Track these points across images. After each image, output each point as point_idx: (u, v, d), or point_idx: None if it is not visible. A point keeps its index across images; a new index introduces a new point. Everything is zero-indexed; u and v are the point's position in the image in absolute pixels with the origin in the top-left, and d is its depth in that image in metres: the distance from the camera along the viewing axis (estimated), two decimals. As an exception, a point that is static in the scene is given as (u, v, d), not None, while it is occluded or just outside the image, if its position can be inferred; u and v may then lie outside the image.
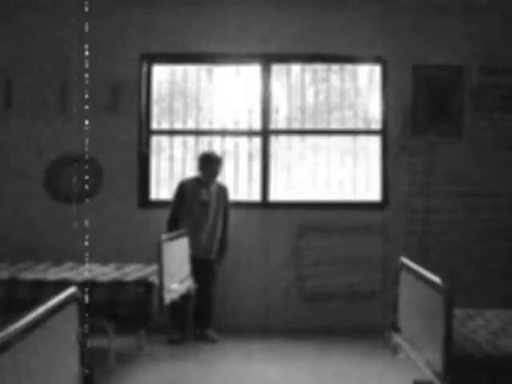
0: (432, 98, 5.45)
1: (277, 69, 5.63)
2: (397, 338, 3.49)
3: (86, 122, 5.26)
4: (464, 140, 5.46)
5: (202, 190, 5.04)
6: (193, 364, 4.41)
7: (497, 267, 5.41)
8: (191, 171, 5.50)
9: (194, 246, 4.93)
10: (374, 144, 5.59)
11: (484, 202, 5.44)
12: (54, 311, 2.20)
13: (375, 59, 5.54)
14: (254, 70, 5.61)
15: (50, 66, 5.40)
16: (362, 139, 5.65)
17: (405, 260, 3.53)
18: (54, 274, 4.35)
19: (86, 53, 5.20)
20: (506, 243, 5.42)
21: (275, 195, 5.58)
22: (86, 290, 3.82)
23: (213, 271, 5.08)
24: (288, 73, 5.65)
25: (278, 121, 5.64)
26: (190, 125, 5.67)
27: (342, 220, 5.46)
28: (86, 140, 5.26)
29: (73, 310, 2.41)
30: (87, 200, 5.39)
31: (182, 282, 4.59)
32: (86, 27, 5.14)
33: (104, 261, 4.87)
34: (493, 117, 5.45)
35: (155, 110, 5.66)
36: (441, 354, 2.68)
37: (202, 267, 4.96)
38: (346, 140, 5.64)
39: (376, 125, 5.60)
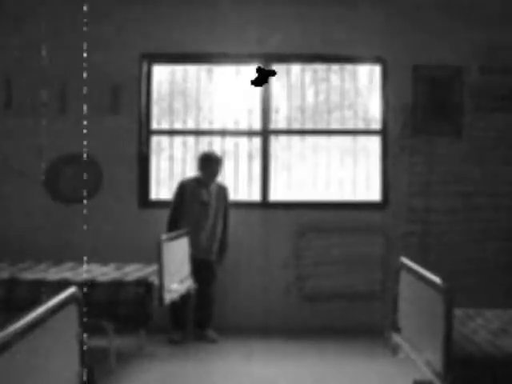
0: (432, 98, 5.45)
1: (277, 69, 5.62)
2: (397, 338, 3.49)
3: (86, 122, 5.26)
4: (464, 140, 5.46)
5: (202, 190, 5.04)
6: (193, 364, 4.41)
7: (497, 267, 5.41)
8: (191, 171, 5.50)
9: (194, 245, 4.93)
10: (374, 144, 5.59)
11: (484, 202, 5.43)
12: (54, 311, 2.20)
13: (375, 59, 5.54)
14: (253, 70, 5.61)
15: (49, 66, 5.40)
16: (362, 139, 5.65)
17: (405, 260, 3.53)
18: (53, 274, 4.35)
19: (86, 53, 5.20)
20: (506, 243, 5.42)
21: (275, 195, 5.58)
22: (86, 290, 3.82)
23: (213, 271, 5.08)
24: (288, 73, 5.65)
25: (278, 121, 5.64)
26: (190, 125, 5.67)
27: (342, 220, 5.46)
28: (86, 140, 5.26)
29: (73, 310, 2.41)
30: (87, 200, 5.39)
31: (181, 281, 4.60)
32: (86, 27, 5.15)
33: (104, 261, 4.87)
34: (493, 117, 5.45)
35: (155, 110, 5.66)
36: (441, 354, 2.68)
37: (202, 267, 4.97)
38: (346, 140, 5.64)
39: (376, 125, 5.60)
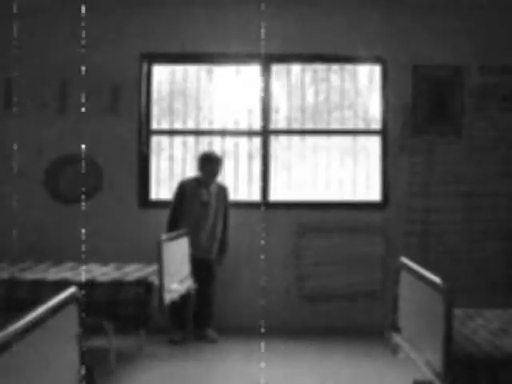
0: (432, 98, 5.45)
1: (277, 69, 5.63)
2: (397, 338, 3.49)
3: (86, 122, 5.26)
4: (464, 140, 5.46)
5: (202, 190, 5.04)
6: (193, 364, 4.41)
7: (497, 267, 5.41)
8: (191, 171, 5.50)
9: (194, 246, 4.93)
10: (374, 144, 5.59)
11: (484, 202, 5.43)
12: (54, 311, 2.20)
13: (375, 59, 5.54)
14: (253, 70, 5.61)
15: (49, 66, 5.40)
16: (362, 139, 5.65)
17: (405, 260, 3.52)
18: (53, 274, 4.35)
19: (86, 53, 5.21)
20: (506, 243, 5.42)
21: (275, 195, 5.58)
22: (86, 290, 3.82)
23: (213, 271, 5.08)
24: (288, 73, 5.66)
25: (278, 121, 5.64)
26: (190, 125, 5.67)
27: (341, 220, 5.46)
28: (86, 140, 5.26)
29: (73, 310, 2.41)
30: (87, 200, 5.40)
31: (182, 281, 4.60)
32: (86, 27, 5.15)
33: (104, 261, 4.87)
34: (493, 117, 5.45)
35: (155, 110, 5.66)
36: (441, 354, 2.68)
37: (201, 267, 4.97)
38: (346, 140, 5.64)
39: (376, 125, 5.60)
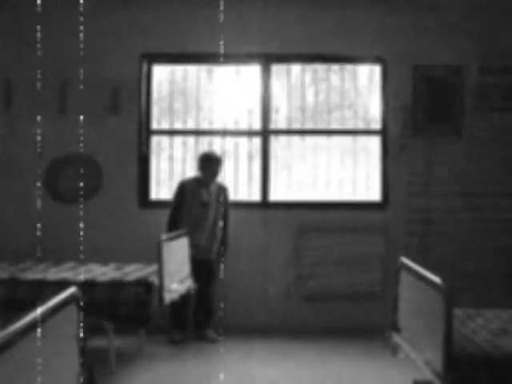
0: (432, 98, 5.45)
1: (277, 69, 5.63)
2: (397, 338, 3.49)
3: (86, 123, 5.26)
4: (464, 140, 5.46)
5: (202, 190, 5.04)
6: (193, 364, 4.41)
7: (497, 267, 5.41)
8: (191, 171, 5.50)
9: (194, 246, 4.93)
10: (374, 144, 5.59)
11: (484, 202, 5.43)
12: (54, 311, 2.20)
13: (375, 59, 5.54)
14: (253, 70, 5.61)
15: (49, 66, 5.40)
16: (362, 139, 5.65)
17: (405, 260, 3.53)
18: (53, 274, 4.35)
19: (86, 53, 5.20)
20: (506, 243, 5.42)
21: (275, 195, 5.58)
22: (86, 290, 3.82)
23: (213, 271, 5.08)
24: (288, 73, 5.66)
25: (278, 121, 5.64)
26: (190, 125, 5.67)
27: (342, 220, 5.46)
28: (86, 140, 5.26)
29: (73, 310, 2.41)
30: (87, 200, 5.40)
31: (181, 281, 4.59)
32: (86, 27, 5.15)
33: (104, 261, 4.87)
34: (493, 117, 5.45)
35: (155, 110, 5.66)
36: (441, 354, 2.68)
37: (201, 267, 4.96)
38: (346, 140, 5.64)
39: (376, 125, 5.60)
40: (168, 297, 4.20)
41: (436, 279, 2.87)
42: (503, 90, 5.45)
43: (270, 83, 5.58)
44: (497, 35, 5.45)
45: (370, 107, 5.67)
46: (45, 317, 2.09)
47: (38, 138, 5.44)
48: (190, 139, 5.65)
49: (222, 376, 4.17)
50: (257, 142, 5.59)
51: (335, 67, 5.67)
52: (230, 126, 5.62)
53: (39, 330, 2.03)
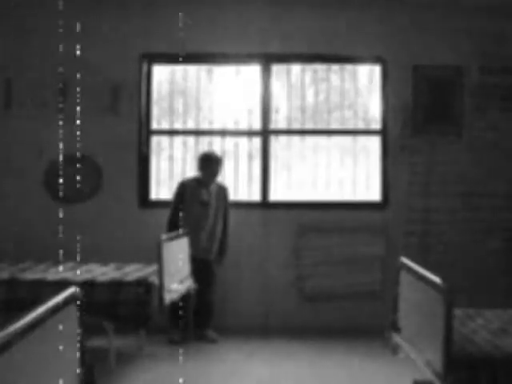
0: (432, 98, 5.45)
1: (277, 69, 5.63)
2: (397, 338, 3.49)
3: (86, 123, 5.26)
4: (464, 140, 5.46)
5: (202, 190, 5.04)
6: (193, 364, 4.40)
7: (497, 267, 5.41)
8: (191, 171, 5.50)
9: (194, 246, 4.93)
10: (374, 144, 5.59)
11: (484, 202, 5.44)
12: (54, 311, 2.20)
13: (375, 59, 5.54)
14: (253, 70, 5.61)
15: (49, 66, 5.40)
16: (362, 139, 5.65)
17: (405, 260, 3.52)
18: (53, 274, 4.35)
19: (86, 53, 5.20)
20: (506, 243, 5.42)
21: (275, 195, 5.58)
22: (86, 290, 3.81)
23: (213, 271, 5.08)
24: (288, 73, 5.66)
25: (278, 121, 5.64)
26: (190, 125, 5.67)
27: (341, 220, 5.46)
28: (86, 140, 5.26)
29: (73, 310, 2.41)
30: (87, 200, 5.40)
31: (181, 282, 4.59)
32: (86, 27, 5.15)
33: (104, 261, 4.87)
34: (493, 117, 5.45)
35: (155, 110, 5.66)
36: (441, 354, 2.68)
37: (201, 267, 4.96)
38: (346, 140, 5.65)
39: (376, 125, 5.60)
40: (168, 297, 4.20)
41: (436, 279, 2.87)
42: (503, 90, 5.45)
43: (270, 83, 5.58)
44: (497, 35, 5.44)
45: (370, 107, 5.67)
46: (45, 317, 2.09)
47: (38, 137, 5.45)
48: (190, 139, 5.65)
49: (221, 376, 4.17)
50: (257, 142, 5.59)
51: (335, 67, 5.67)
52: (230, 126, 5.62)
53: (39, 330, 2.02)
